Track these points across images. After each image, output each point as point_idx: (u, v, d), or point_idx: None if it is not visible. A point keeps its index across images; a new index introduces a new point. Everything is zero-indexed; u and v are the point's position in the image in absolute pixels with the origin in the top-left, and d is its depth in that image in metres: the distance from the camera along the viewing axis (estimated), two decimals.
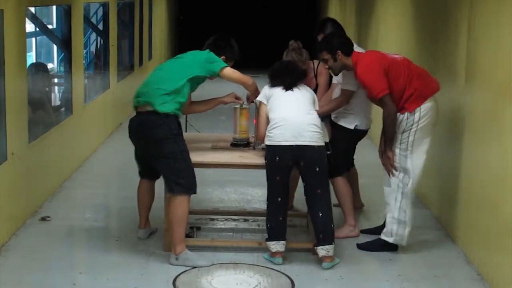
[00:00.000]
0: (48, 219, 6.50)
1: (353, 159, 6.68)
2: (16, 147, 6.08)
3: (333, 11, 17.50)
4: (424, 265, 5.65)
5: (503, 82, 5.03)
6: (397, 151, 5.65)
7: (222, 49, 5.75)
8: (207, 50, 5.69)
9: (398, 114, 5.60)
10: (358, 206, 6.88)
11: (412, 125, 5.58)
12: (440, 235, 6.13)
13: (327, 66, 5.87)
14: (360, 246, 5.91)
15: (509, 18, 4.90)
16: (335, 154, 5.85)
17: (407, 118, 5.58)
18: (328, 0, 19.40)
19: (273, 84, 5.69)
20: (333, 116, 6.30)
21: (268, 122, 5.58)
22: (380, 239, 5.84)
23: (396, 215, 5.70)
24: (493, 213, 5.19)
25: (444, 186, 5.76)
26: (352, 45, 5.84)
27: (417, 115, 5.57)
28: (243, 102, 6.04)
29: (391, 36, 9.47)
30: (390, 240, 5.77)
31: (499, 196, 5.04)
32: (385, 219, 5.87)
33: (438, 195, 6.47)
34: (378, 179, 6.14)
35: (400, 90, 5.59)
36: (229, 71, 5.58)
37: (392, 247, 5.81)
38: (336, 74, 5.95)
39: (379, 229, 6.17)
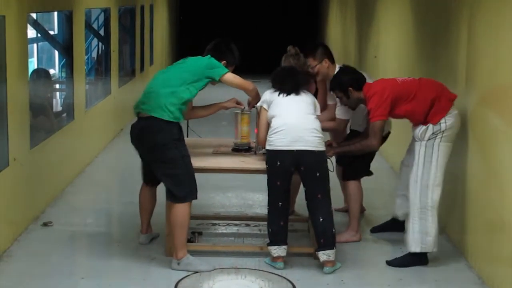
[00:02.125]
0: (50, 224, 6.51)
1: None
2: (18, 153, 6.09)
3: (334, 16, 17.52)
4: (425, 270, 5.64)
5: (503, 86, 5.04)
6: (419, 161, 5.60)
7: (222, 54, 5.76)
8: (208, 56, 5.69)
9: (421, 125, 5.60)
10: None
11: (437, 133, 5.57)
12: (441, 239, 6.13)
13: (343, 104, 5.97)
14: (390, 263, 5.71)
15: (509, 23, 4.91)
16: (353, 157, 5.87)
17: (433, 128, 5.57)
18: (328, 6, 19.42)
19: (275, 89, 5.71)
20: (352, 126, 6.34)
21: (268, 127, 5.60)
22: (409, 253, 5.69)
23: (417, 228, 5.61)
24: (495, 218, 5.19)
25: (445, 190, 5.76)
26: (363, 79, 5.86)
27: (443, 125, 5.57)
28: (244, 107, 6.05)
29: (391, 41, 9.47)
30: (418, 249, 5.63)
31: (501, 201, 5.04)
32: (393, 218, 5.85)
33: (439, 200, 6.46)
34: (380, 184, 6.15)
35: (419, 106, 5.59)
36: (230, 76, 5.59)
37: (422, 259, 5.68)
38: (354, 109, 6.00)
39: (387, 225, 6.26)
